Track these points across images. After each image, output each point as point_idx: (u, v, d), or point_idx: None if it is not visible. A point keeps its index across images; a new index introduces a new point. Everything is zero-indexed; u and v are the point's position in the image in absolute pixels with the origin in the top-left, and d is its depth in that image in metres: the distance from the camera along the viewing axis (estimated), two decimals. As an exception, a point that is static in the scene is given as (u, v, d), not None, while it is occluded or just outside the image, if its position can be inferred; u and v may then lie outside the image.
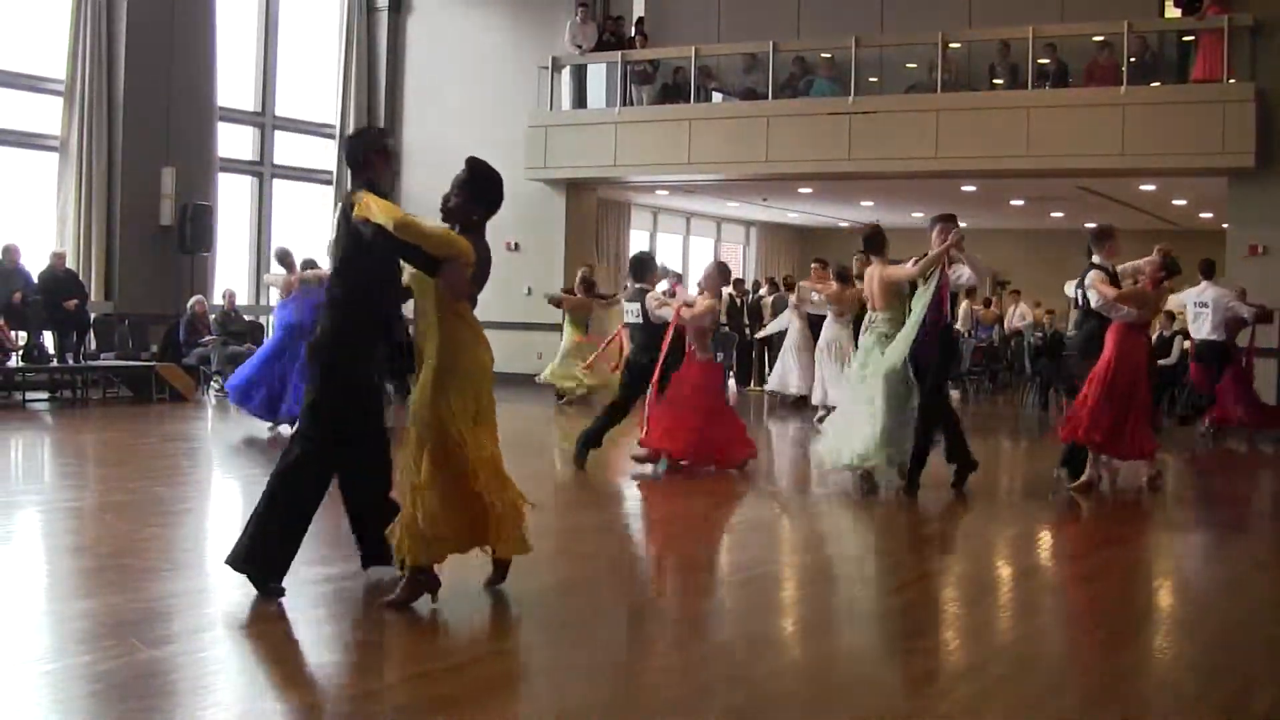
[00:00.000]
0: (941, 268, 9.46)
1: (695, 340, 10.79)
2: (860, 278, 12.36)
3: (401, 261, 5.81)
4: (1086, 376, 10.07)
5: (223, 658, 5.26)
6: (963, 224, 9.74)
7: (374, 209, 5.60)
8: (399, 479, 6.03)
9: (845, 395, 10.74)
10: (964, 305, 22.44)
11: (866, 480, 9.78)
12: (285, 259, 12.90)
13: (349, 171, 6.33)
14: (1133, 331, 9.97)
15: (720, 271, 11.16)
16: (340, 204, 6.25)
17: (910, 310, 9.71)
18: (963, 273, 9.69)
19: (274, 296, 13.78)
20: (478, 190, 5.96)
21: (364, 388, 6.13)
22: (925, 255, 9.64)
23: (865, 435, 9.58)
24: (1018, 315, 22.35)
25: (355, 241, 5.82)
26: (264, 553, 5.95)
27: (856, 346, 10.50)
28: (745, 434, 11.24)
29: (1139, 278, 10.30)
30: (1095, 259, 10.19)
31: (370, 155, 6.13)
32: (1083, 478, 10.08)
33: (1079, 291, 10.35)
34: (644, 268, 11.23)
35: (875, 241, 10.11)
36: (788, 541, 8.66)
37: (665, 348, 10.57)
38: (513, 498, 5.96)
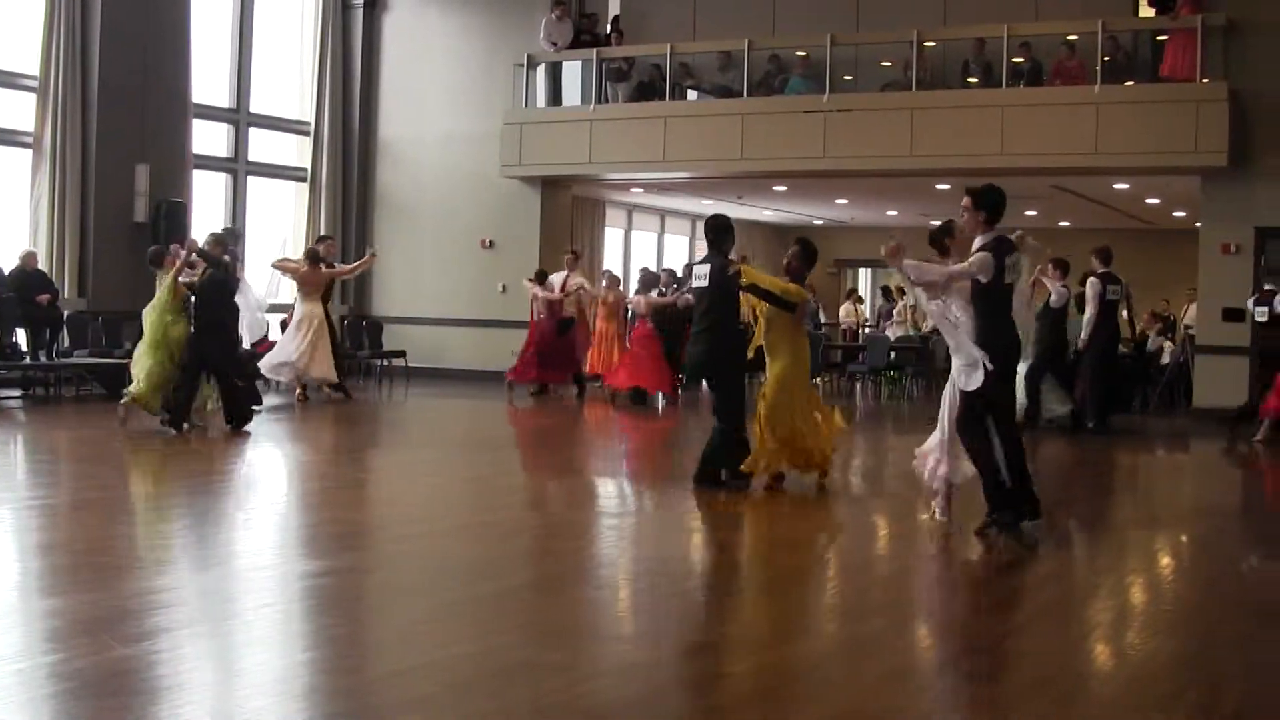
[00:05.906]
0: None
1: None
2: None
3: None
4: None
5: (197, 655, 5.24)
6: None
7: (763, 278, 9.53)
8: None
9: None
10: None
11: None
12: None
13: (715, 245, 9.76)
14: None
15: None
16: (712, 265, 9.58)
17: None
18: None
19: None
20: (806, 256, 9.69)
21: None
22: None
23: None
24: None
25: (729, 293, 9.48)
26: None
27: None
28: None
29: None
30: None
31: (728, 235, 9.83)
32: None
33: None
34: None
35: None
36: (767, 541, 8.67)
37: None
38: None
